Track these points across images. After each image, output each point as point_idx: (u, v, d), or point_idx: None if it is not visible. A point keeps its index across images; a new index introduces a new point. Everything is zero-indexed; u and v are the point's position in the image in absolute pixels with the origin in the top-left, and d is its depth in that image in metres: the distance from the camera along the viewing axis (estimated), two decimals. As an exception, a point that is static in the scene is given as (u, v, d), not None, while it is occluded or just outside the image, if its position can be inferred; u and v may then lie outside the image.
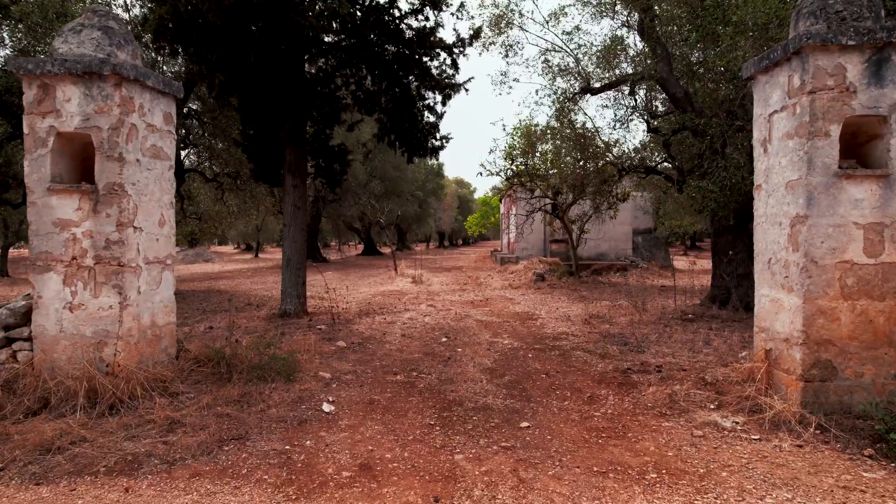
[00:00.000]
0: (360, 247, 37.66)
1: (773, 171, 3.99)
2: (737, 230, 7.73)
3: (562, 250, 19.21)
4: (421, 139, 9.43)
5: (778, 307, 3.91)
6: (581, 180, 12.66)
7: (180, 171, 12.25)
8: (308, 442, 3.37)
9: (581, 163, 11.81)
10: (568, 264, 16.50)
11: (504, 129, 14.34)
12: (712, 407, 3.94)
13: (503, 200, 27.61)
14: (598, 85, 8.76)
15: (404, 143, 9.43)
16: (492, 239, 74.02)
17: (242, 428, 3.56)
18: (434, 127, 9.52)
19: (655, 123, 8.15)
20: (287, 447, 3.29)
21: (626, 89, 9.84)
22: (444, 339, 6.61)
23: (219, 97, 8.15)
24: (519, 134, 14.20)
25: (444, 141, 9.68)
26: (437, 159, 9.13)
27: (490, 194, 40.96)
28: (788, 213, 3.77)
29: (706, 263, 22.44)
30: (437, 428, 3.64)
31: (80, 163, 4.18)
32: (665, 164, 10.03)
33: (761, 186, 4.19)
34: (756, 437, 3.38)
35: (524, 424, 3.68)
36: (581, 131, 9.92)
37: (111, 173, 3.93)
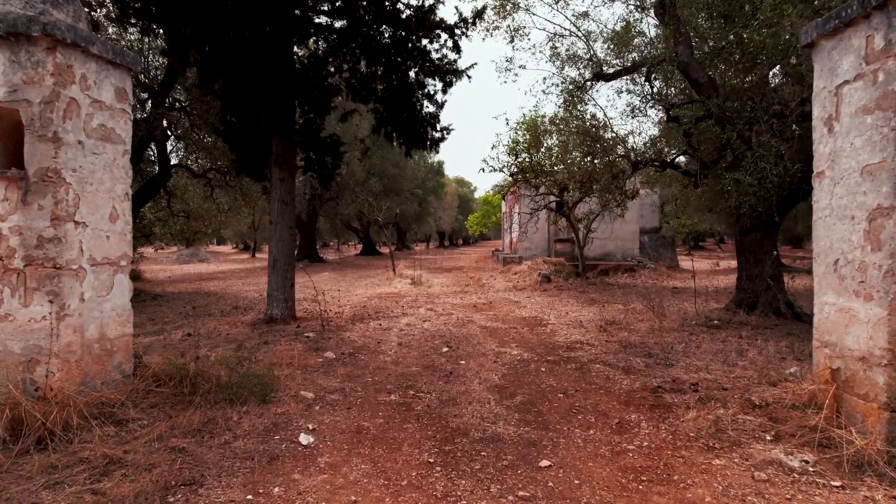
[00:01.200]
0: (360, 247, 36.98)
1: (841, 154, 3.32)
2: (766, 228, 7.06)
3: (567, 250, 18.54)
4: (420, 130, 8.76)
5: (849, 318, 3.23)
6: (589, 176, 12.00)
7: (166, 167, 11.59)
8: (276, 489, 2.70)
9: (589, 158, 11.13)
10: (574, 264, 15.83)
11: (507, 123, 13.56)
12: (769, 439, 3.27)
13: (505, 199, 26.93)
14: (611, 71, 8.09)
15: (402, 134, 8.77)
16: (493, 238, 73.35)
17: (198, 468, 2.89)
18: (434, 117, 8.85)
19: (675, 112, 7.47)
20: (249, 496, 2.62)
21: (641, 76, 9.17)
22: (445, 349, 5.93)
23: (202, 83, 7.48)
24: (523, 128, 13.54)
25: (444, 132, 9.01)
26: (437, 152, 8.43)
27: (491, 193, 40.33)
28: (865, 204, 3.10)
29: (712, 264, 21.73)
30: (438, 468, 2.97)
31: (13, 145, 3.51)
32: (682, 156, 9.34)
33: (824, 173, 3.51)
34: (837, 483, 2.70)
35: (544, 463, 3.01)
36: (591, 122, 9.24)
37: (44, 156, 3.26)
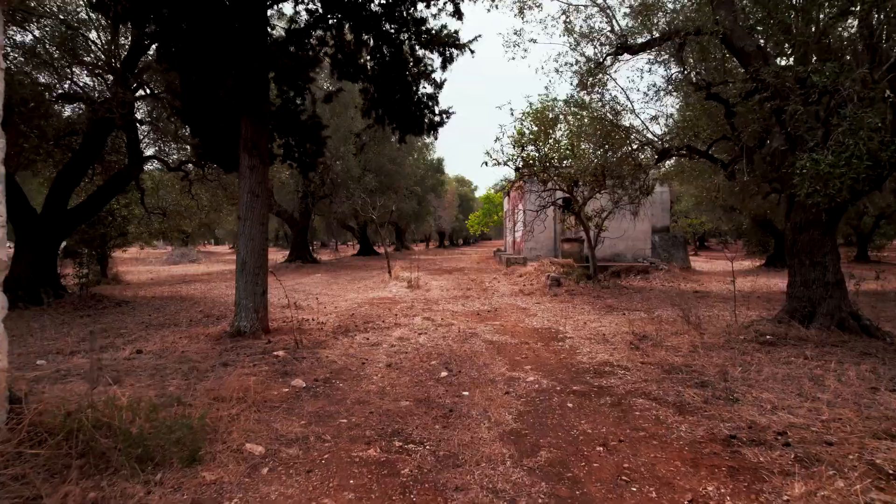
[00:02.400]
0: (359, 247, 35.88)
1: None
2: (826, 224, 5.93)
3: (575, 250, 17.40)
4: (416, 113, 7.65)
5: None
6: (602, 169, 10.88)
7: (137, 158, 10.46)
8: None
9: (606, 147, 10.00)
10: (584, 266, 14.71)
11: (512, 114, 12.40)
12: (939, 541, 2.14)
13: (508, 196, 25.81)
14: (638, 42, 6.95)
15: (395, 118, 7.66)
16: (493, 238, 72.27)
17: None
18: (432, 98, 7.73)
19: (716, 89, 6.32)
20: None
21: (667, 53, 8.04)
22: (443, 374, 4.81)
23: (161, 55, 6.35)
24: (529, 119, 12.39)
25: (444, 116, 7.89)
26: (436, 138, 7.34)
27: (493, 191, 39.20)
28: None
29: (724, 265, 20.62)
30: None
31: None
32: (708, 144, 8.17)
33: None
34: None
35: None
36: (612, 104, 8.11)
37: None
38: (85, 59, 8.96)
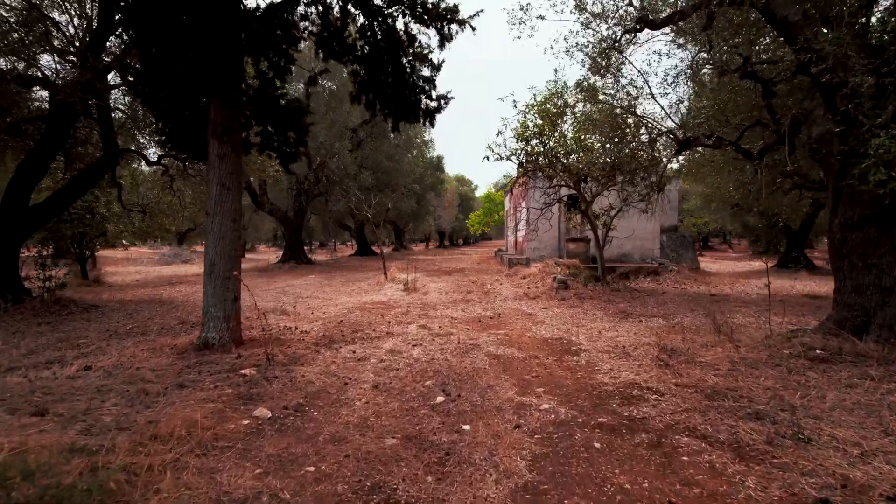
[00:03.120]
0: (356, 247, 35.04)
1: None
2: (884, 220, 5.14)
3: (580, 250, 16.61)
4: (410, 98, 6.86)
5: None
6: (613, 164, 10.11)
7: (112, 151, 9.67)
8: None
9: (616, 140, 9.21)
10: (591, 267, 13.92)
11: (515, 106, 11.54)
12: None
13: (510, 194, 25.01)
14: (662, 16, 6.14)
15: (388, 103, 6.87)
16: (494, 238, 71.47)
17: None
18: (428, 81, 6.94)
19: (755, 67, 5.50)
20: None
21: (684, 35, 7.26)
22: (440, 399, 4.01)
23: (123, 32, 5.57)
24: (533, 111, 11.59)
25: (441, 101, 7.11)
26: (433, 126, 6.53)
27: (493, 189, 38.38)
28: None
29: (732, 265, 19.79)
30: None
31: None
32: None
33: None
34: None
35: None
36: (627, 90, 7.32)
37: None
38: (52, 40, 8.18)
